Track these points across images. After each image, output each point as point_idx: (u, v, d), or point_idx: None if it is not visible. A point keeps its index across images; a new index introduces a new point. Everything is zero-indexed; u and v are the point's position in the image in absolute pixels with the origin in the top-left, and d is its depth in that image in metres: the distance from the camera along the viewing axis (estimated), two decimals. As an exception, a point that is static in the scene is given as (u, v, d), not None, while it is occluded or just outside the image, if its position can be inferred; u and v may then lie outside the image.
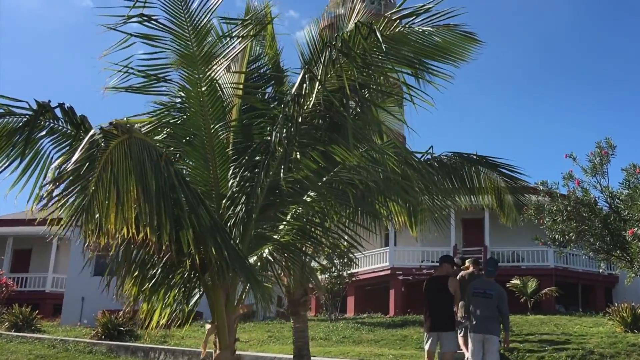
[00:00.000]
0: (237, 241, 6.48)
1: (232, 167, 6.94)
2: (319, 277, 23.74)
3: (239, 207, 6.60)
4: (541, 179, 14.01)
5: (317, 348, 16.19)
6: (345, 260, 23.20)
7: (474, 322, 9.88)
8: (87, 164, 4.55)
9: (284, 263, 7.34)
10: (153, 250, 4.94)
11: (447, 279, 10.22)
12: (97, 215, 4.42)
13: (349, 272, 23.96)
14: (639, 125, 71.60)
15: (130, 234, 4.72)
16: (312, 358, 13.94)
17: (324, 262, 23.16)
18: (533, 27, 71.86)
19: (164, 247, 4.92)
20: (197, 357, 16.20)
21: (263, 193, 6.77)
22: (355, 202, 7.26)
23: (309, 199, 7.43)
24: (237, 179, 6.67)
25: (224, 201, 6.73)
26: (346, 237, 7.46)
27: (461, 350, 12.79)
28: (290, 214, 7.45)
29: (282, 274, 10.42)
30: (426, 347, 10.08)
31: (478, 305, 9.90)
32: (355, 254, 26.38)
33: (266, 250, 7.24)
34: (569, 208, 13.79)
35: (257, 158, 6.72)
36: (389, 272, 27.61)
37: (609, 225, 13.51)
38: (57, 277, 31.90)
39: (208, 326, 6.71)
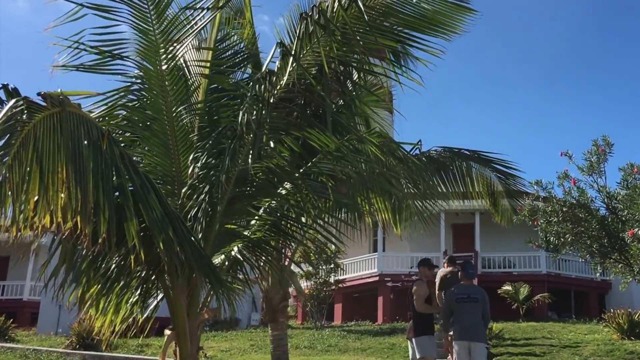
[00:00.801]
0: (200, 236, 5.70)
1: (195, 154, 6.16)
2: (304, 283, 22.97)
3: (201, 198, 5.81)
4: (538, 181, 13.22)
5: (300, 357, 15.42)
6: (332, 265, 22.44)
7: (460, 330, 9.15)
8: (7, 137, 3.78)
9: (255, 262, 6.56)
10: (87, 244, 4.16)
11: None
12: (10, 200, 3.65)
13: (335, 278, 23.16)
14: (637, 125, 70.99)
15: (56, 224, 3.95)
16: (294, 368, 13.17)
17: (309, 268, 22.38)
18: (528, 23, 71.18)
19: (100, 241, 4.15)
20: (174, 367, 15.37)
21: (231, 183, 6.00)
22: (334, 195, 6.51)
23: (283, 192, 6.68)
24: (200, 165, 5.88)
25: (183, 190, 5.95)
26: (325, 233, 6.69)
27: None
28: (262, 208, 6.69)
29: (259, 276, 9.67)
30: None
31: (464, 312, 9.16)
32: (342, 260, 25.73)
33: (235, 248, 6.47)
34: (564, 209, 13.12)
35: (224, 144, 5.92)
36: (377, 278, 26.82)
37: (607, 227, 12.84)
38: (35, 285, 30.83)
39: (167, 333, 5.93)
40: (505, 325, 19.24)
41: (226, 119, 6.43)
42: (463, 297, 9.13)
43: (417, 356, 9.36)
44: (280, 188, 6.73)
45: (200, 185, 5.88)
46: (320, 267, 22.44)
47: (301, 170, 6.81)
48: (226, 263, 6.42)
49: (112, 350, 17.88)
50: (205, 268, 5.05)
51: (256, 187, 6.38)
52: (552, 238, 13.40)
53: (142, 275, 5.83)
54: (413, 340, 9.34)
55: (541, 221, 13.56)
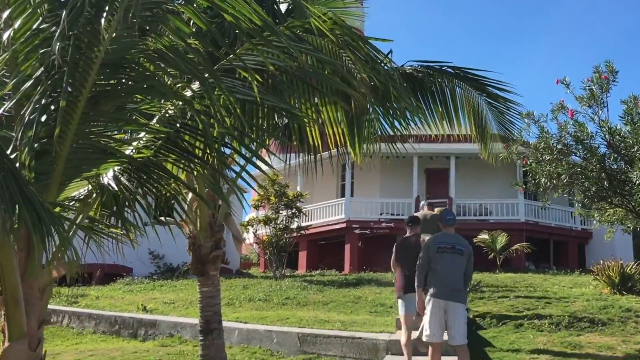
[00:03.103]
0: (28, 148, 3.54)
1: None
2: (263, 229, 20.93)
3: (28, 84, 3.62)
4: (529, 113, 11.22)
5: (251, 312, 13.48)
6: (293, 210, 20.42)
7: (439, 285, 7.34)
8: None
9: (139, 192, 4.42)
10: None
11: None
12: None
13: (299, 224, 21.09)
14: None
15: None
16: (238, 327, 11.22)
17: (267, 212, 20.27)
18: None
19: None
20: (107, 322, 13.38)
21: (92, 69, 3.82)
22: (263, 97, 4.38)
23: (188, 93, 4.54)
24: (21, 28, 3.65)
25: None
26: (246, 153, 4.57)
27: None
28: (157, 117, 4.55)
29: (184, 219, 7.59)
30: (401, 312, 8.53)
31: (446, 264, 7.37)
32: (306, 205, 23.69)
33: (109, 173, 4.33)
34: (559, 146, 11.18)
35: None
36: (344, 225, 24.95)
37: (607, 167, 10.94)
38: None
39: (-10, 302, 3.83)
40: (481, 276, 17.55)
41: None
42: (447, 246, 7.34)
43: (406, 312, 8.29)
44: (186, 89, 4.60)
45: (29, 65, 3.67)
46: (282, 212, 20.40)
47: (216, 67, 4.70)
48: (94, 195, 4.29)
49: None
50: (19, 192, 2.91)
51: (138, 80, 4.21)
52: (543, 179, 11.55)
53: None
54: (407, 296, 8.28)
55: (530, 160, 11.69)
